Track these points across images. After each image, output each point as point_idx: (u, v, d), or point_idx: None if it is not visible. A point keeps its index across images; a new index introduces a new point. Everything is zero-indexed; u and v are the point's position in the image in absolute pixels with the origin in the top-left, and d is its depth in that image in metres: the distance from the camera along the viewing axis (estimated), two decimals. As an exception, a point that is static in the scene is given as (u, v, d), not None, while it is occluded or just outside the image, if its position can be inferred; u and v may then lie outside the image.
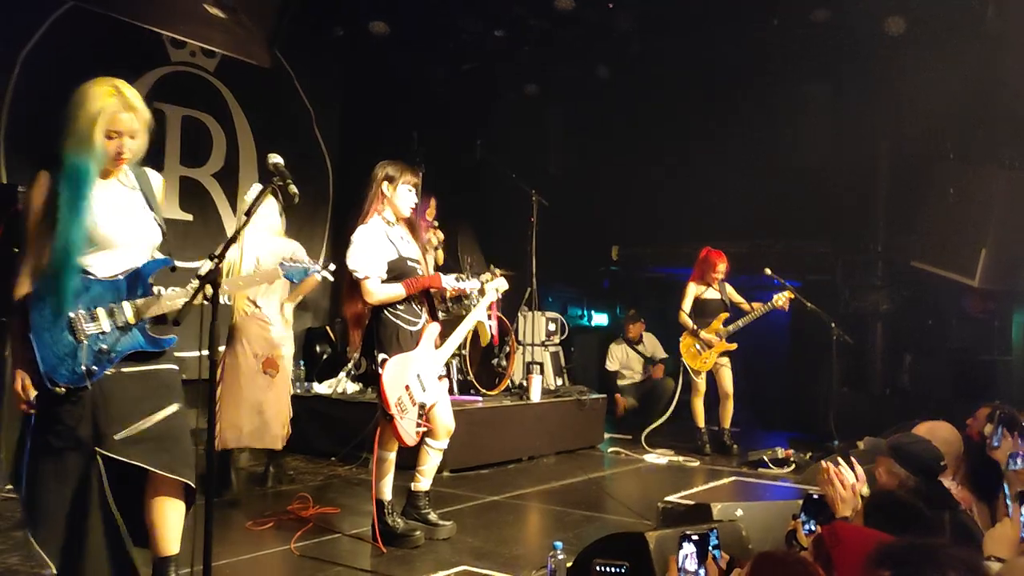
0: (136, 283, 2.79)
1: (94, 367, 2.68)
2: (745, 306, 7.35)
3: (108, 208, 2.77)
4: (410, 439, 4.16)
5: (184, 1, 4.17)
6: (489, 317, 4.82)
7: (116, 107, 2.70)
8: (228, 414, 5.06)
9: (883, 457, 3.20)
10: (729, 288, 7.44)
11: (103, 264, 2.76)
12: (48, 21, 6.05)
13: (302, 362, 7.08)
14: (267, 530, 4.41)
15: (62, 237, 2.63)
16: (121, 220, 2.79)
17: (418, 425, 4.18)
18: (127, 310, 2.75)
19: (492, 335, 6.26)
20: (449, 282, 4.28)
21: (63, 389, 2.65)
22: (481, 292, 4.61)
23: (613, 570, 2.67)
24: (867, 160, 8.46)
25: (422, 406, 4.21)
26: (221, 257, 2.59)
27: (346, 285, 4.25)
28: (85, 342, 2.67)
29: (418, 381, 4.19)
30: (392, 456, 4.31)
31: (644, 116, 9.12)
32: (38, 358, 2.63)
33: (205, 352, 2.50)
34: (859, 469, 3.19)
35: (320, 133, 8.20)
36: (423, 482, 4.41)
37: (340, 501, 5.09)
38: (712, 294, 7.38)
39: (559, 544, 3.21)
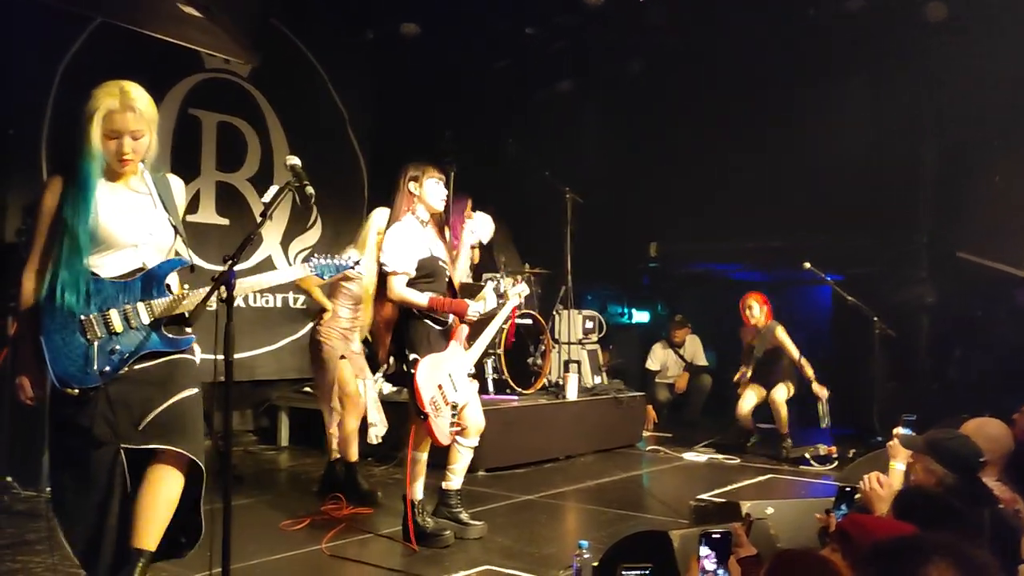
0: (150, 284, 2.79)
1: (106, 368, 2.69)
2: (792, 353, 7.14)
3: (112, 208, 2.78)
4: (445, 438, 4.17)
5: (163, 3, 4.18)
6: (506, 321, 4.88)
7: (114, 107, 2.70)
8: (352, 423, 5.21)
9: (920, 454, 3.12)
10: (780, 331, 7.20)
11: (110, 264, 2.77)
12: (85, 33, 6.16)
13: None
14: (300, 530, 4.44)
15: (69, 239, 2.66)
16: (125, 220, 2.79)
17: (452, 424, 4.19)
18: (142, 311, 2.76)
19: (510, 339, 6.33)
20: (473, 312, 4.28)
21: (76, 391, 2.66)
22: (504, 297, 4.62)
23: (637, 573, 2.63)
24: (910, 150, 8.24)
25: (454, 406, 4.22)
26: (235, 258, 2.60)
27: (376, 287, 4.29)
28: (97, 343, 2.69)
29: (450, 381, 4.20)
30: (424, 457, 4.32)
31: (680, 110, 8.99)
32: (48, 360, 2.65)
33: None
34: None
35: (354, 135, 8.24)
36: (454, 481, 4.42)
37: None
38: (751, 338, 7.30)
39: (585, 543, 3.17)
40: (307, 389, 7.25)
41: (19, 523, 4.39)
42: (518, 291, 4.73)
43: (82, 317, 2.69)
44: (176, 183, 3.04)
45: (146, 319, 2.76)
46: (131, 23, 5.03)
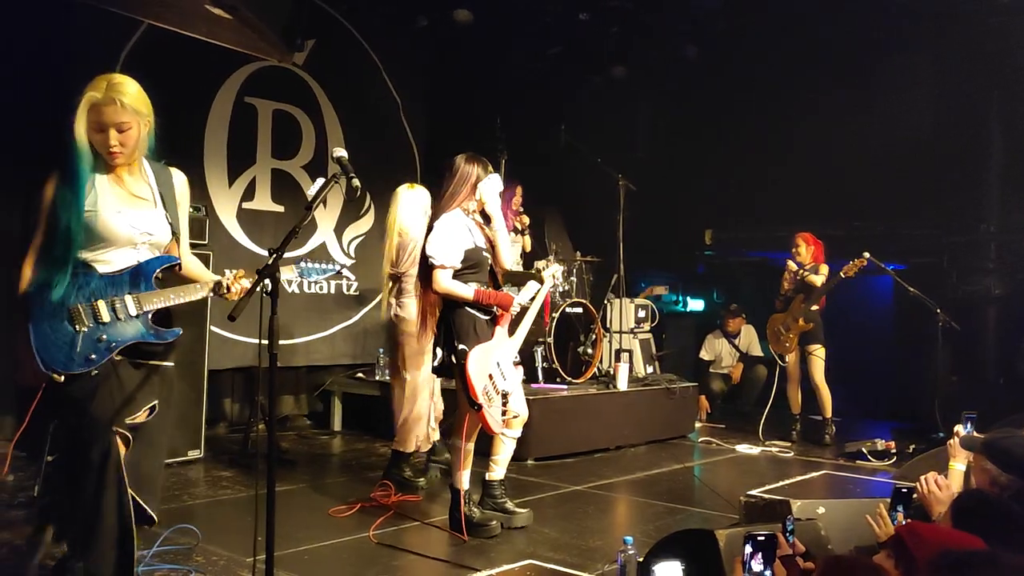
0: (138, 279, 2.82)
1: (92, 355, 2.72)
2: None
3: (114, 206, 2.79)
4: (497, 427, 4.19)
5: (194, 5, 4.19)
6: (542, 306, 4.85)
7: (97, 100, 2.68)
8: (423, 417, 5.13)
9: (978, 454, 3.03)
10: (824, 269, 7.14)
11: (108, 260, 2.80)
12: (145, 22, 6.24)
13: (390, 350, 7.17)
14: (349, 517, 4.49)
15: (59, 232, 2.68)
16: (126, 219, 2.80)
17: (503, 413, 4.20)
18: (129, 303, 2.79)
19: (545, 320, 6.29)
20: (518, 304, 4.29)
21: (61, 376, 2.69)
22: (540, 280, 4.59)
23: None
24: (977, 133, 7.96)
25: (504, 394, 4.22)
26: (280, 251, 2.61)
27: (422, 275, 4.30)
28: (84, 331, 2.72)
29: (499, 369, 4.20)
30: (472, 446, 4.34)
31: (736, 95, 8.84)
32: (35, 347, 2.68)
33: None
34: None
35: (407, 122, 8.26)
36: (498, 471, 4.43)
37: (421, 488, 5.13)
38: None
39: (630, 539, 3.14)
40: (360, 375, 7.33)
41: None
42: (551, 272, 4.69)
43: (70, 307, 2.73)
44: (178, 178, 3.02)
45: (133, 310, 2.80)
46: (169, 24, 5.08)
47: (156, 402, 2.87)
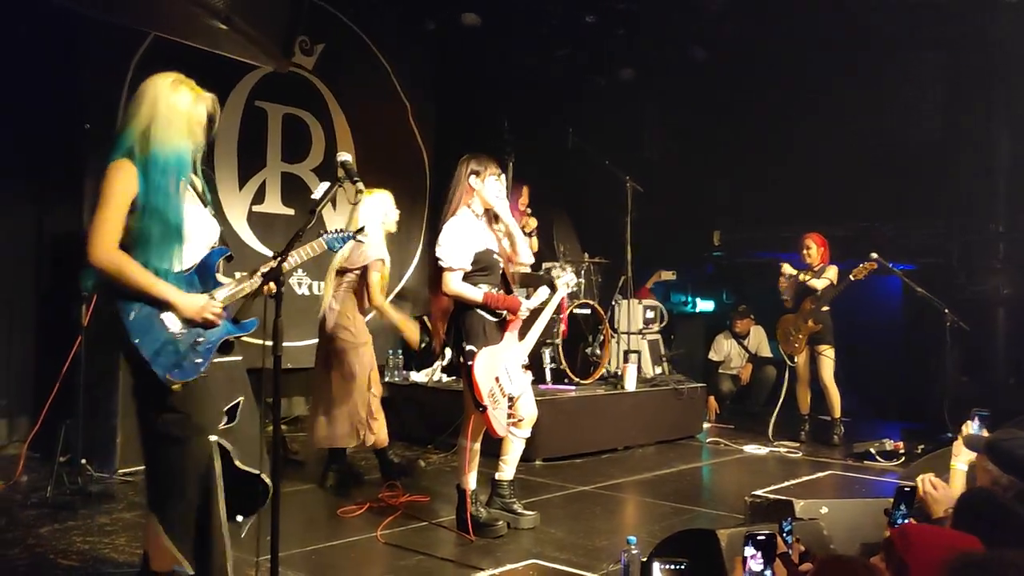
0: (205, 275, 2.83)
1: (199, 360, 2.70)
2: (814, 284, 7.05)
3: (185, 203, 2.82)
4: (502, 429, 4.21)
5: (185, 12, 4.23)
6: (558, 312, 4.85)
7: (205, 103, 2.84)
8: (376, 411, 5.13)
9: (980, 454, 3.04)
10: (832, 271, 7.12)
11: (176, 260, 2.78)
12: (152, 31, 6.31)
13: (400, 351, 7.21)
14: (356, 517, 4.52)
15: (161, 232, 2.68)
16: (193, 216, 2.83)
17: (509, 416, 4.22)
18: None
19: (563, 328, 6.29)
20: (526, 309, 4.30)
21: (180, 385, 2.65)
22: (553, 288, 4.61)
23: (673, 567, 2.61)
24: (985, 132, 7.94)
25: (511, 397, 4.25)
26: (285, 255, 2.65)
27: (432, 278, 4.34)
28: (182, 338, 2.70)
29: (506, 372, 4.23)
30: (478, 446, 4.36)
31: (743, 95, 8.84)
32: (147, 357, 2.62)
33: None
34: None
35: (416, 126, 8.30)
36: (507, 471, 4.45)
37: (430, 489, 5.16)
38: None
39: (633, 539, 3.16)
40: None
41: (92, 504, 4.57)
42: (565, 281, 4.71)
43: (162, 316, 2.70)
44: (210, 183, 3.08)
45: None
46: (173, 35, 5.13)
47: (240, 399, 2.86)
